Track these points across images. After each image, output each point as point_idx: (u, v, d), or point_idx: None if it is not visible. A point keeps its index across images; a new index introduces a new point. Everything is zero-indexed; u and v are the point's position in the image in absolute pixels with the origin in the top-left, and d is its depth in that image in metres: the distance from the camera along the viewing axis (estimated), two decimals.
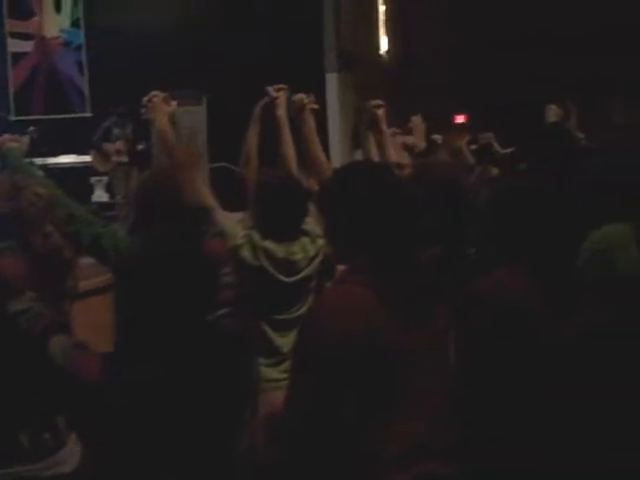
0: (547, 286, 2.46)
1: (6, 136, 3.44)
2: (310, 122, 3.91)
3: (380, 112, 4.33)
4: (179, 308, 3.02)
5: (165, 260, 3.04)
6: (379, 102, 4.37)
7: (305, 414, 1.93)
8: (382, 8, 10.47)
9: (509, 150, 5.74)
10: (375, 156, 4.19)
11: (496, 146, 6.02)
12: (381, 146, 4.22)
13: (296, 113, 3.91)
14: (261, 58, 8.16)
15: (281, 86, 3.90)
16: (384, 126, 4.38)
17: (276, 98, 3.86)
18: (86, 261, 3.24)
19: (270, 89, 3.88)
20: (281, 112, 3.84)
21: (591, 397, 2.36)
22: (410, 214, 2.11)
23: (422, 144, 5.11)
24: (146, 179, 3.57)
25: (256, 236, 3.32)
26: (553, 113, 5.27)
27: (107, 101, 8.26)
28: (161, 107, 3.72)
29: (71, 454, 2.66)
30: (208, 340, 3.13)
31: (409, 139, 5.18)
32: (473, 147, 5.95)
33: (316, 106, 3.99)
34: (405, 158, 4.53)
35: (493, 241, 2.71)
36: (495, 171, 5.11)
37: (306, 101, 3.92)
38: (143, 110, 3.76)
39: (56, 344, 2.60)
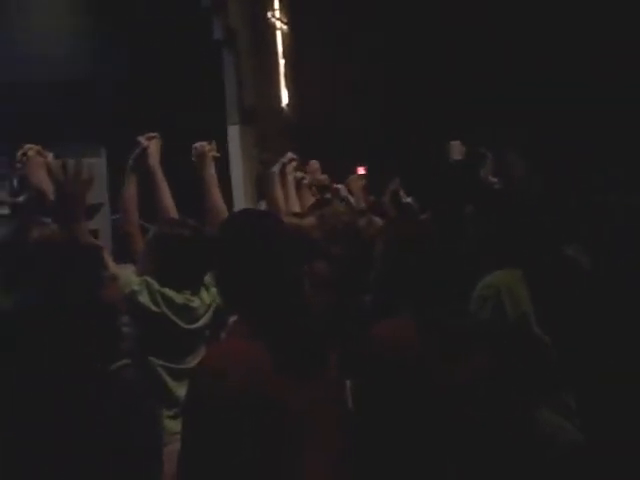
0: (438, 333, 2.47)
1: None
2: (211, 169, 3.87)
3: (290, 166, 4.62)
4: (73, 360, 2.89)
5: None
6: (292, 156, 4.61)
7: (198, 475, 1.88)
8: (282, 62, 10.61)
9: (409, 199, 5.79)
10: (282, 204, 4.28)
11: (402, 194, 6.03)
12: (286, 195, 4.29)
13: (197, 160, 3.87)
14: (163, 110, 8.12)
15: (152, 135, 3.71)
16: (290, 177, 4.58)
17: (147, 147, 3.67)
18: None
19: (141, 138, 3.67)
20: (153, 161, 3.65)
21: (483, 439, 2.39)
22: (294, 264, 2.09)
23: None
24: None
25: (154, 283, 3.19)
26: (457, 150, 4.97)
27: None
28: (36, 160, 3.51)
29: None
30: (109, 393, 3.00)
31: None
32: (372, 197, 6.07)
33: (217, 154, 3.95)
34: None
35: (385, 289, 2.72)
36: (378, 221, 4.78)
37: (207, 148, 3.88)
38: (19, 165, 3.56)
39: None
